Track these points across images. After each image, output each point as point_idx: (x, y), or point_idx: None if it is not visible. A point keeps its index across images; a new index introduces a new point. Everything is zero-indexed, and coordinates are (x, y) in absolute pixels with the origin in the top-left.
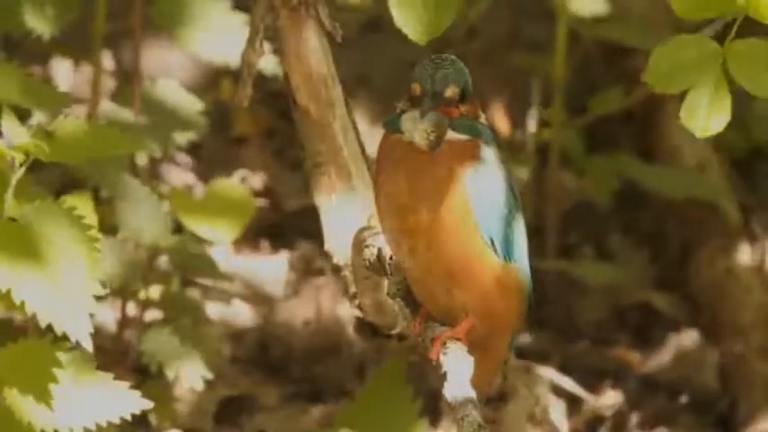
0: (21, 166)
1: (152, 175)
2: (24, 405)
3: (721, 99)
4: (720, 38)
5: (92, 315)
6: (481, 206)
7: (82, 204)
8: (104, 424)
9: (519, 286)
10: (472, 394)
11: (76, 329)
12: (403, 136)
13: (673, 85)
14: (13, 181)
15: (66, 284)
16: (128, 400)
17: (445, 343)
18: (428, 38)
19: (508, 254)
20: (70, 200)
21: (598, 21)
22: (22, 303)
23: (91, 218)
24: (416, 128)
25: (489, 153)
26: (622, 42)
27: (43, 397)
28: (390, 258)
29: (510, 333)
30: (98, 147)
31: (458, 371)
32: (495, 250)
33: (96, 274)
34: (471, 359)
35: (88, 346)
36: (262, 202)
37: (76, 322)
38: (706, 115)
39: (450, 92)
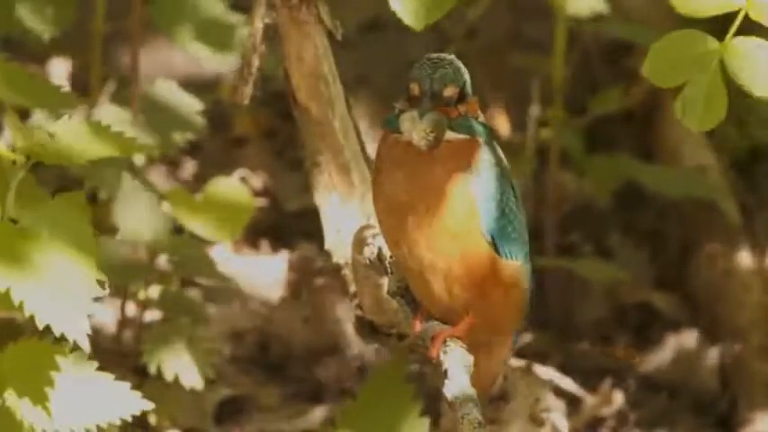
0: (22, 167)
1: (151, 176)
2: (25, 406)
3: (718, 94)
4: (719, 34)
5: (90, 316)
6: (481, 205)
7: (76, 203)
8: (105, 425)
9: (520, 284)
10: (472, 393)
11: (74, 330)
12: (401, 136)
13: (670, 79)
14: (14, 183)
15: (65, 286)
16: (128, 401)
17: (445, 341)
18: (424, 24)
19: (509, 252)
20: (64, 198)
21: (597, 20)
22: (21, 304)
23: (85, 217)
24: (415, 128)
25: (489, 152)
26: (622, 38)
27: (40, 399)
28: (390, 257)
29: (511, 332)
30: (99, 149)
31: (458, 369)
32: (496, 248)
33: (94, 276)
34: (471, 358)
35: (85, 347)
36: (262, 202)
37: (74, 323)
38: (702, 110)
39: (449, 92)
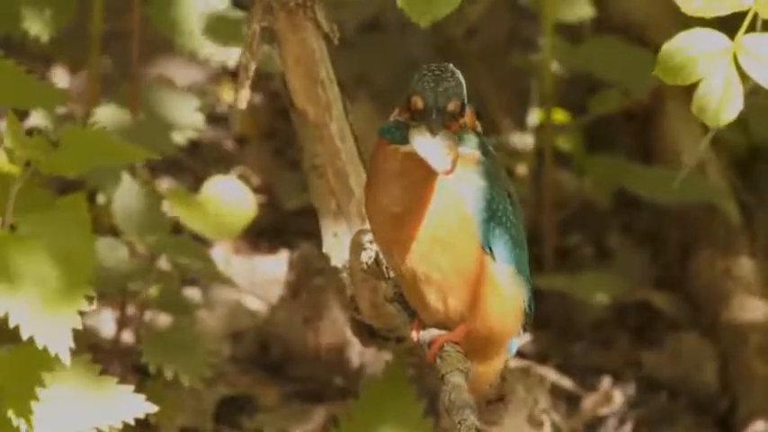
0: (21, 177)
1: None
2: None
3: (733, 89)
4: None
5: (74, 329)
6: (479, 216)
7: (77, 206)
8: (106, 429)
9: (517, 292)
10: (469, 397)
11: (56, 344)
12: (401, 147)
13: (681, 76)
14: (14, 193)
15: (51, 299)
16: (132, 404)
17: (443, 346)
18: (430, 20)
19: (506, 261)
20: (65, 204)
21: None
22: (6, 315)
23: (86, 219)
24: (431, 148)
25: (487, 163)
26: (596, 75)
27: (23, 412)
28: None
29: (508, 339)
30: (100, 156)
31: (455, 374)
32: (494, 258)
33: (83, 290)
34: (469, 362)
35: (66, 360)
36: (261, 201)
37: (57, 337)
38: (718, 105)
39: (453, 106)
